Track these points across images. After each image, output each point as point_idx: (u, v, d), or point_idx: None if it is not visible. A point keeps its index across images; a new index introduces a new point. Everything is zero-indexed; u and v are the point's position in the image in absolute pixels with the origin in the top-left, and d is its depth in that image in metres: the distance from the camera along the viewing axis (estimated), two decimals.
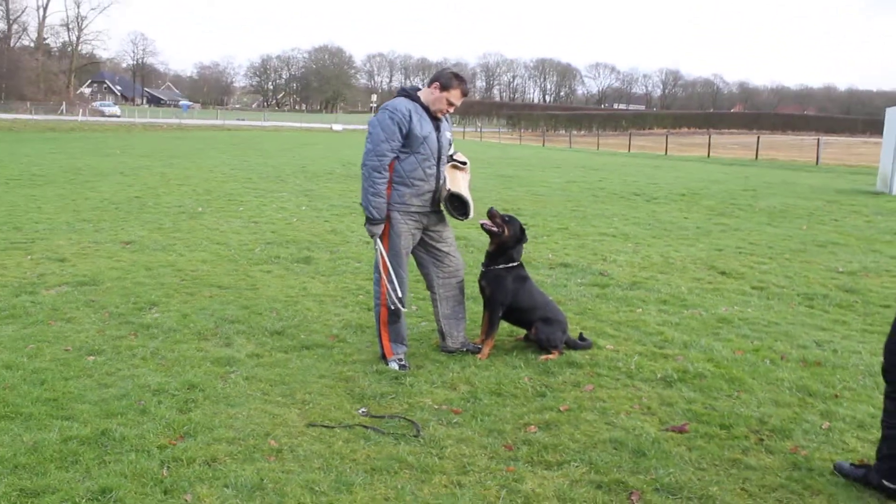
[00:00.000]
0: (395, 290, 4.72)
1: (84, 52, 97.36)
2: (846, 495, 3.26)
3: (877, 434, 3.89)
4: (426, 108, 4.73)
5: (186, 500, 3.03)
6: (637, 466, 3.44)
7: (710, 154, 36.39)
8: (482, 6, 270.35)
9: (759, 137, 36.23)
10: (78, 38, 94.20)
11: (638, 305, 6.44)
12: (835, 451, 3.69)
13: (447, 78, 4.72)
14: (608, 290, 6.99)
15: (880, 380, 4.71)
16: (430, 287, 5.10)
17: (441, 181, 4.85)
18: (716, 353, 5.12)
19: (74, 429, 3.65)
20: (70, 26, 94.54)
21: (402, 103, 4.67)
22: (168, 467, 3.29)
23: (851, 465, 3.44)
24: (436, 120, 4.77)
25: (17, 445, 3.46)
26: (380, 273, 4.77)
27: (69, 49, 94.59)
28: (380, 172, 4.59)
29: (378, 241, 4.74)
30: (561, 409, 4.08)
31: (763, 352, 5.22)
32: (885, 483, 3.27)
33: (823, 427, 3.97)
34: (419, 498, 3.11)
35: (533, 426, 3.84)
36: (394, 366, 4.71)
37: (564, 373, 4.68)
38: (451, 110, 4.81)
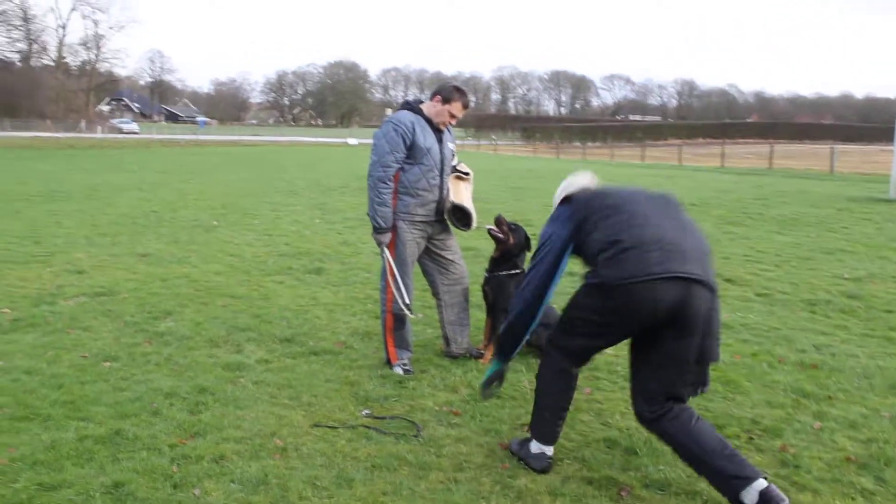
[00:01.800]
0: (402, 297, 4.87)
1: (102, 70, 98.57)
2: (831, 490, 3.36)
3: (868, 433, 4.00)
4: (429, 121, 4.89)
5: (195, 494, 3.19)
6: (628, 464, 3.56)
7: (724, 164, 36.38)
8: (496, 19, 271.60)
9: (772, 146, 36.12)
10: (96, 56, 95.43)
11: None
12: (824, 450, 3.78)
13: (449, 91, 4.88)
14: None
15: (875, 381, 4.85)
16: (435, 294, 5.25)
17: (445, 191, 5.01)
18: None
19: (90, 429, 3.82)
20: (88, 45, 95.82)
21: (406, 116, 4.84)
22: (178, 464, 3.45)
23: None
24: (438, 132, 4.93)
25: (35, 444, 3.64)
26: (386, 281, 4.93)
27: (88, 67, 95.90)
28: (385, 183, 4.75)
29: (385, 249, 4.89)
30: None
31: (762, 356, 5.32)
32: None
33: (815, 427, 4.07)
34: (416, 493, 3.25)
35: (529, 426, 3.97)
36: (398, 370, 4.85)
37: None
38: (454, 122, 4.97)
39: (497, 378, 3.72)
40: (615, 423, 4.04)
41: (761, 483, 3.08)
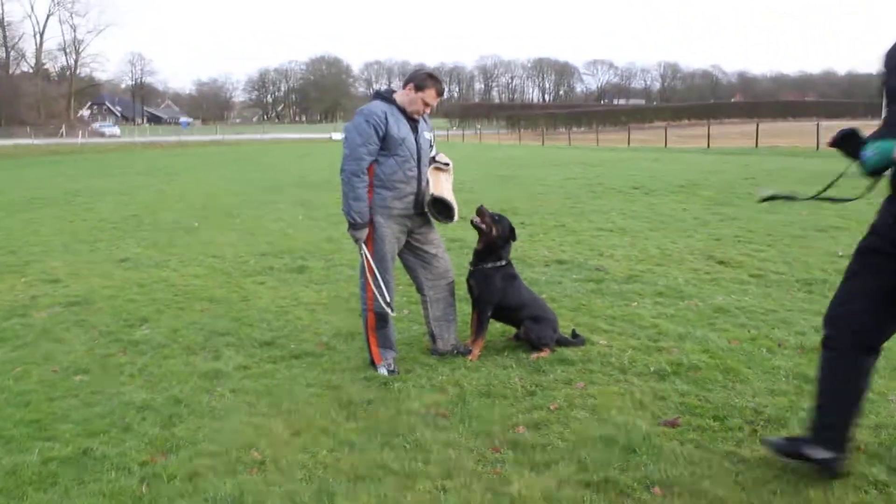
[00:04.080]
0: (382, 295, 4.66)
1: (83, 74, 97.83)
2: (843, 484, 3.17)
3: (874, 418, 3.82)
4: (402, 110, 4.68)
5: None
6: (627, 464, 3.36)
7: (710, 145, 36.21)
8: (477, 9, 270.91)
9: (758, 125, 35.96)
10: (76, 61, 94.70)
11: (633, 299, 6.36)
12: None
13: (421, 79, 4.66)
14: (603, 284, 6.92)
15: (879, 363, 4.64)
16: (419, 290, 5.04)
17: (424, 183, 4.79)
18: (711, 344, 5.03)
19: (56, 449, 3.60)
20: (67, 50, 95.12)
21: (378, 106, 4.61)
22: (148, 484, 3.23)
23: (784, 439, 3.42)
24: (413, 121, 4.71)
25: None
26: (366, 279, 4.71)
27: (67, 73, 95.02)
28: (359, 176, 4.53)
29: (362, 245, 4.68)
30: (551, 407, 4.00)
31: (760, 340, 5.14)
32: (808, 452, 3.20)
33: None
34: None
35: (521, 427, 3.77)
36: (383, 371, 4.64)
37: (556, 370, 4.60)
38: (428, 111, 4.76)
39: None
40: (612, 419, 3.83)
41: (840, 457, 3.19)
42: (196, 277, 7.75)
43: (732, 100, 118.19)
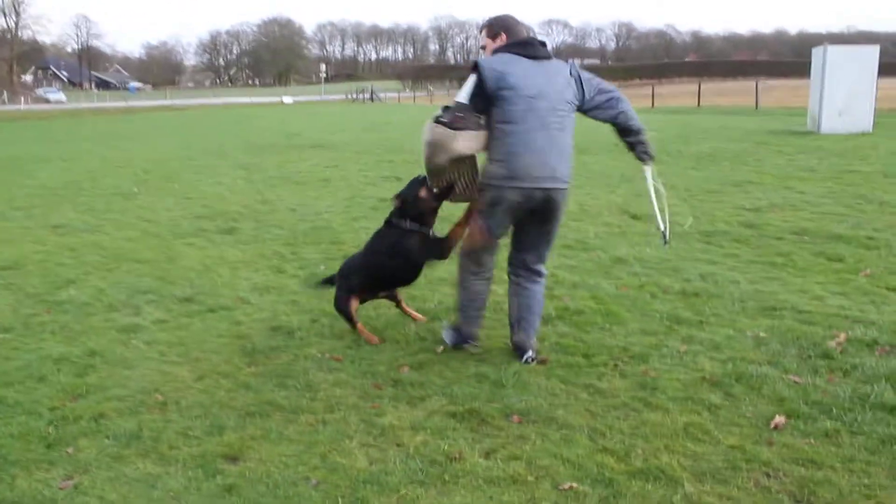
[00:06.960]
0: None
1: (25, 37, 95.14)
2: (680, 408, 3.58)
3: (728, 353, 4.24)
4: None
5: (68, 453, 3.28)
6: (493, 396, 3.74)
7: (655, 104, 36.75)
8: None
9: (699, 84, 36.63)
10: (17, 23, 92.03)
11: None
12: (684, 371, 4.01)
13: None
14: None
15: (749, 305, 5.11)
16: None
17: None
18: (600, 291, 5.44)
19: None
20: (6, 11, 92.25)
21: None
22: (55, 425, 3.53)
23: None
24: None
25: None
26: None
27: (8, 35, 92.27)
28: None
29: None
30: (437, 351, 4.37)
31: (648, 287, 5.56)
32: None
33: (681, 350, 4.30)
34: (284, 435, 3.39)
35: (406, 367, 4.13)
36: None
37: (451, 318, 4.95)
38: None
39: None
40: (490, 359, 4.22)
41: None
42: (128, 241, 7.93)
43: (686, 59, 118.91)
